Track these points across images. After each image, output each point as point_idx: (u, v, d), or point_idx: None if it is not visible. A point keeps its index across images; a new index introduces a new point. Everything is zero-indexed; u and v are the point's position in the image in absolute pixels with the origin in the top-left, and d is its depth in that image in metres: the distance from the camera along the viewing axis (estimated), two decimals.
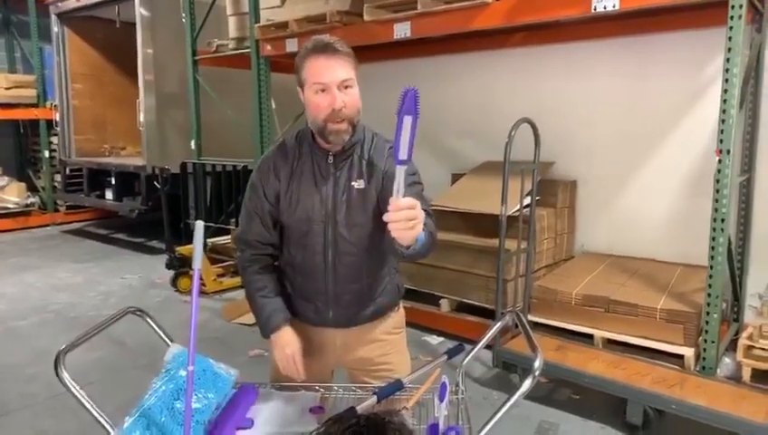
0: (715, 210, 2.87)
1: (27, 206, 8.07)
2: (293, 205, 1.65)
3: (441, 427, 1.36)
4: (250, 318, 4.16)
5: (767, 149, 3.61)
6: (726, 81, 2.79)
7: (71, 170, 7.70)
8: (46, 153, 8.29)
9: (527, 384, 1.26)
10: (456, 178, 4.75)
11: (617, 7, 3.02)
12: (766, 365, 2.97)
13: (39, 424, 2.97)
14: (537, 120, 3.40)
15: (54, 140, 8.09)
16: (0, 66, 8.42)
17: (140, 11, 6.19)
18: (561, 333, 3.49)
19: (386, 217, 1.24)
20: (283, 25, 4.57)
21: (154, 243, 7.04)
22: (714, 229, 2.89)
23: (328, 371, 1.86)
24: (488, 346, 2.78)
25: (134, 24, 6.29)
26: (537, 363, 1.29)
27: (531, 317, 3.60)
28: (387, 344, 1.80)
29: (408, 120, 1.17)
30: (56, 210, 8.47)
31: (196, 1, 5.66)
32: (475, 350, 1.68)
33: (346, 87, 1.53)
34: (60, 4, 7.26)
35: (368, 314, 1.74)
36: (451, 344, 1.89)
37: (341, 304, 1.70)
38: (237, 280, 5.05)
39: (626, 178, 4.24)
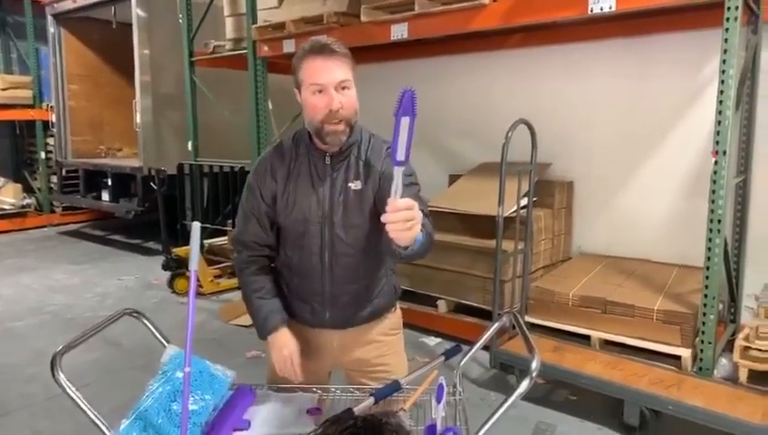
0: (712, 211, 2.88)
1: (23, 207, 8.05)
2: (290, 206, 1.64)
3: (439, 428, 1.36)
4: (247, 319, 4.16)
5: (763, 150, 3.62)
6: (722, 82, 2.80)
7: (67, 171, 7.69)
8: (42, 154, 8.27)
9: (524, 385, 1.26)
10: (453, 179, 4.75)
11: (613, 8, 3.03)
12: (763, 366, 2.97)
13: (36, 425, 2.96)
14: (535, 120, 3.40)
15: (51, 141, 8.08)
16: None
17: (137, 12, 6.19)
18: (559, 334, 3.50)
19: (384, 218, 1.24)
20: (281, 26, 4.57)
21: (151, 244, 7.03)
22: (710, 230, 2.90)
23: (325, 372, 1.86)
24: (485, 347, 2.79)
25: (131, 25, 6.29)
26: (534, 364, 1.29)
27: (528, 318, 3.61)
28: (384, 345, 1.80)
29: (405, 120, 1.17)
30: (52, 211, 8.45)
31: (193, 2, 5.65)
32: (473, 351, 1.68)
33: (343, 88, 1.53)
34: (56, 5, 7.25)
35: (365, 316, 1.74)
36: (448, 345, 1.90)
37: (338, 306, 1.70)
38: (234, 281, 5.04)
39: (623, 178, 4.25)
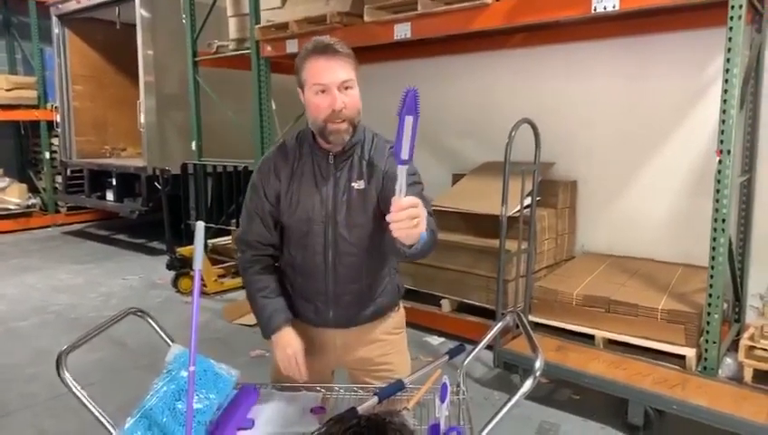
0: (716, 210, 2.87)
1: (28, 207, 8.07)
2: (294, 205, 1.65)
3: (442, 427, 1.36)
4: (251, 319, 4.16)
5: (767, 150, 3.61)
6: (726, 81, 2.79)
7: (71, 172, 7.70)
8: (47, 154, 8.29)
9: (528, 385, 1.26)
10: (456, 178, 4.75)
11: (617, 8, 3.02)
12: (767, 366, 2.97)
13: (40, 424, 2.97)
14: (537, 120, 3.40)
15: (55, 141, 8.10)
16: (1, 68, 8.42)
17: (141, 12, 6.20)
18: (562, 333, 3.49)
19: (389, 218, 1.24)
20: (284, 26, 4.57)
21: (155, 244, 7.04)
22: (714, 229, 2.89)
23: (328, 371, 1.86)
24: (489, 347, 2.78)
25: (134, 26, 6.30)
26: (538, 364, 1.29)
27: (531, 318, 3.60)
28: (387, 344, 1.80)
29: (409, 120, 1.17)
30: (57, 211, 8.48)
31: (197, 2, 5.66)
32: (476, 350, 1.68)
33: (346, 88, 1.53)
34: (60, 5, 7.27)
35: (368, 315, 1.74)
36: (452, 345, 1.89)
37: (341, 305, 1.70)
38: (238, 281, 5.05)
39: (626, 178, 4.24)
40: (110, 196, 7.11)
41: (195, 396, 1.39)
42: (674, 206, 4.03)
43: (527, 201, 3.52)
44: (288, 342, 1.66)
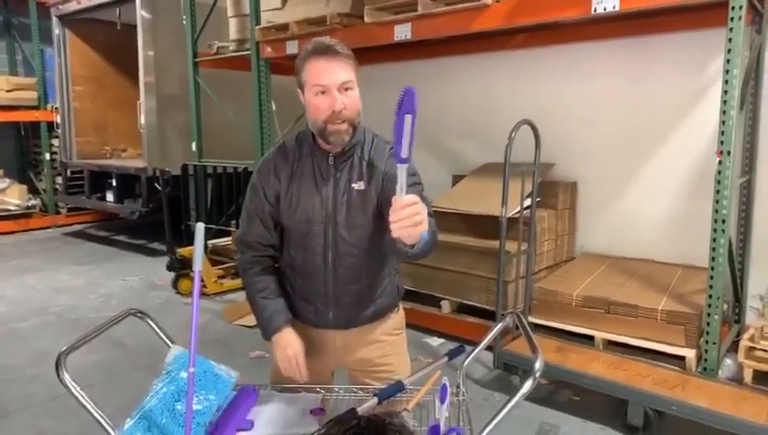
0: (716, 211, 2.87)
1: (28, 208, 8.07)
2: (294, 206, 1.65)
3: (442, 428, 1.36)
4: (251, 320, 4.16)
5: (767, 151, 3.61)
6: (726, 82, 2.79)
7: (72, 172, 7.71)
8: (47, 155, 8.29)
9: (528, 386, 1.26)
10: (456, 179, 4.75)
11: (617, 8, 3.02)
12: (767, 367, 2.96)
13: (39, 425, 2.97)
14: (537, 121, 3.40)
15: (55, 142, 8.10)
16: (1, 69, 8.43)
17: (141, 13, 6.20)
18: (562, 334, 3.49)
19: (390, 217, 1.23)
20: (284, 27, 4.57)
21: (155, 245, 7.04)
22: (714, 230, 2.89)
23: (328, 372, 1.86)
24: (489, 348, 2.77)
25: (135, 27, 6.30)
26: (538, 365, 1.29)
27: (531, 319, 3.60)
28: (387, 345, 1.80)
29: (408, 118, 1.17)
30: (57, 212, 8.47)
31: (197, 3, 5.67)
32: (476, 351, 1.68)
33: (346, 89, 1.53)
34: (61, 6, 7.27)
35: (368, 315, 1.74)
36: (452, 346, 1.90)
37: (341, 306, 1.70)
38: (238, 282, 5.05)
39: (626, 179, 4.24)
40: (110, 197, 7.11)
41: (194, 397, 1.39)
42: (674, 206, 4.03)
43: (527, 202, 3.52)
44: (288, 342, 1.66)
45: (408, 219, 1.22)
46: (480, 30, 3.71)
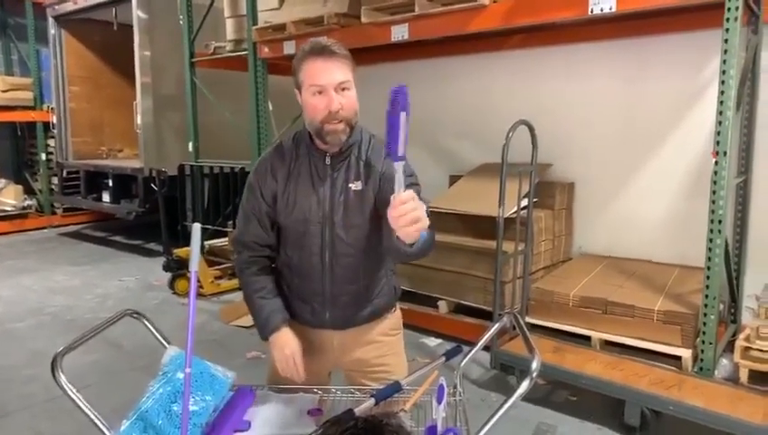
0: (712, 212, 2.88)
1: (24, 208, 8.05)
2: (290, 206, 1.65)
3: (439, 429, 1.36)
4: (247, 320, 4.16)
5: (764, 151, 3.62)
6: (723, 82, 2.80)
7: (68, 173, 7.70)
8: (43, 156, 8.27)
9: (525, 386, 1.26)
10: (453, 179, 4.75)
11: (613, 9, 3.03)
12: (763, 366, 2.97)
13: (36, 426, 2.96)
14: (535, 121, 3.40)
15: (51, 142, 8.08)
16: None
17: (138, 13, 6.19)
18: (559, 334, 3.50)
19: (390, 213, 1.23)
20: (281, 27, 4.57)
21: (151, 245, 7.03)
22: (711, 231, 2.90)
23: (325, 372, 1.86)
24: (486, 348, 2.78)
25: (131, 27, 6.29)
26: (535, 365, 1.29)
27: (528, 319, 3.61)
28: (384, 346, 1.80)
29: (404, 116, 1.17)
30: (53, 213, 8.45)
31: (194, 3, 5.66)
32: (473, 351, 1.68)
33: (343, 89, 1.53)
34: (57, 6, 7.26)
35: (364, 316, 1.74)
36: (449, 346, 1.89)
37: (338, 306, 1.70)
38: (235, 282, 5.04)
39: (623, 179, 4.25)
40: (106, 197, 7.11)
41: (191, 398, 1.39)
42: (671, 207, 4.04)
43: (524, 202, 3.52)
44: (286, 342, 1.66)
45: (407, 216, 1.22)
46: (477, 30, 3.71)
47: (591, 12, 3.10)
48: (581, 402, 3.10)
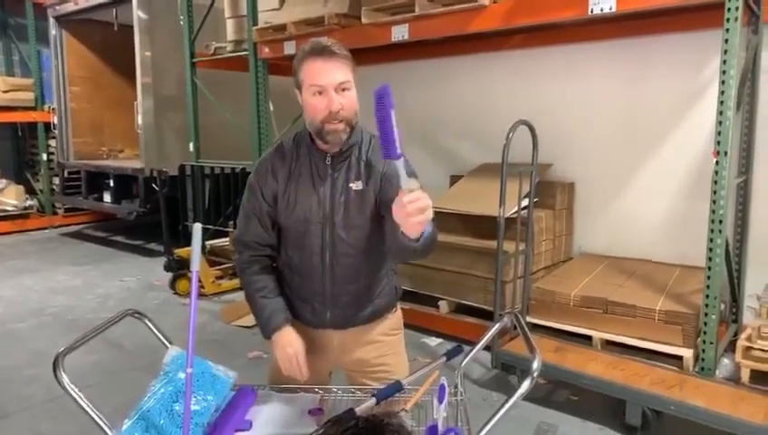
0: (713, 212, 2.88)
1: (25, 208, 8.05)
2: (291, 206, 1.65)
3: (440, 428, 1.36)
4: (249, 320, 4.16)
5: (764, 151, 3.62)
6: (723, 82, 2.80)
7: (69, 173, 7.70)
8: (44, 156, 8.28)
9: (526, 385, 1.26)
10: (454, 179, 4.75)
11: (613, 9, 3.03)
12: (765, 366, 2.97)
13: (37, 426, 2.96)
14: (535, 121, 3.40)
15: (52, 142, 8.09)
16: None
17: (138, 14, 6.19)
18: (560, 334, 3.50)
19: (399, 203, 1.22)
20: (281, 28, 4.57)
21: (152, 245, 7.03)
22: (711, 231, 2.90)
23: (325, 372, 1.86)
24: (487, 348, 2.78)
25: (132, 27, 6.29)
26: (536, 365, 1.29)
27: (529, 319, 3.61)
28: (384, 346, 1.80)
29: (394, 114, 1.17)
30: (54, 213, 8.45)
31: (194, 3, 5.66)
32: (474, 351, 1.68)
33: (343, 89, 1.53)
34: (58, 7, 7.26)
35: (365, 316, 1.74)
36: (450, 346, 1.90)
37: (339, 305, 1.70)
38: (236, 282, 5.04)
39: (624, 179, 4.25)
40: (107, 197, 7.11)
41: (192, 398, 1.39)
42: (671, 207, 4.04)
43: (525, 202, 3.53)
44: (288, 341, 1.66)
45: (415, 204, 1.20)
46: (477, 31, 3.71)
47: (591, 12, 3.11)
48: (583, 402, 3.10)
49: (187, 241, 5.56)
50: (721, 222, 2.86)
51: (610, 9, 3.03)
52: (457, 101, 5.07)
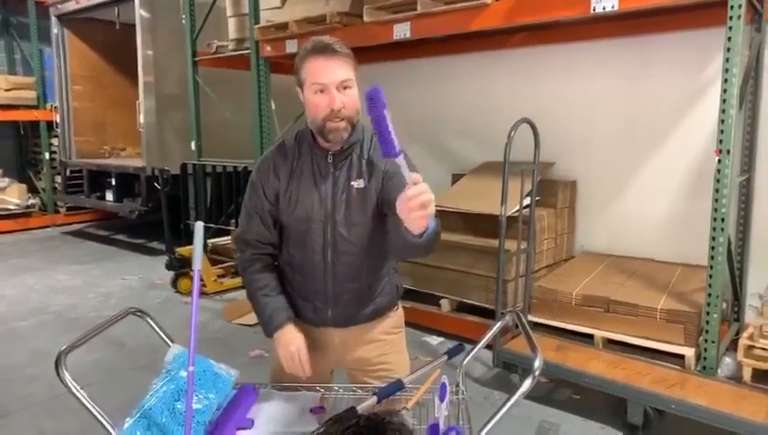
0: (715, 210, 2.87)
1: (28, 207, 8.07)
2: (293, 204, 1.65)
3: (441, 427, 1.36)
4: (250, 319, 4.17)
5: (767, 149, 3.61)
6: (726, 81, 2.79)
7: (71, 172, 7.70)
8: (46, 155, 8.29)
9: (527, 384, 1.26)
10: (456, 178, 4.75)
11: (616, 8, 3.02)
12: (767, 365, 2.97)
13: (39, 425, 2.97)
14: (537, 120, 3.40)
15: (55, 141, 8.10)
16: (0, 68, 8.42)
17: (140, 12, 6.20)
18: (562, 333, 3.49)
19: (405, 196, 1.21)
20: (283, 26, 4.57)
21: (154, 244, 7.04)
22: (714, 229, 2.89)
23: (327, 370, 1.86)
24: (488, 346, 2.79)
25: (134, 26, 6.30)
26: (537, 363, 1.29)
27: (531, 317, 3.61)
28: (385, 344, 1.80)
29: (388, 113, 1.17)
30: (56, 212, 8.47)
31: (196, 2, 5.66)
32: (476, 350, 1.68)
33: (345, 88, 1.54)
34: (60, 5, 7.26)
35: (367, 314, 1.74)
36: (451, 344, 1.90)
37: (340, 304, 1.70)
38: (238, 281, 5.05)
39: (626, 178, 4.25)
40: (109, 196, 7.11)
41: (194, 396, 1.39)
42: (673, 206, 4.03)
43: (526, 201, 3.52)
44: (291, 339, 1.66)
45: (420, 197, 1.19)
46: (479, 29, 3.71)
47: (593, 10, 3.10)
48: (584, 401, 3.10)
49: (188, 240, 5.56)
50: (723, 221, 2.86)
51: (612, 7, 3.03)
52: (459, 99, 5.07)
